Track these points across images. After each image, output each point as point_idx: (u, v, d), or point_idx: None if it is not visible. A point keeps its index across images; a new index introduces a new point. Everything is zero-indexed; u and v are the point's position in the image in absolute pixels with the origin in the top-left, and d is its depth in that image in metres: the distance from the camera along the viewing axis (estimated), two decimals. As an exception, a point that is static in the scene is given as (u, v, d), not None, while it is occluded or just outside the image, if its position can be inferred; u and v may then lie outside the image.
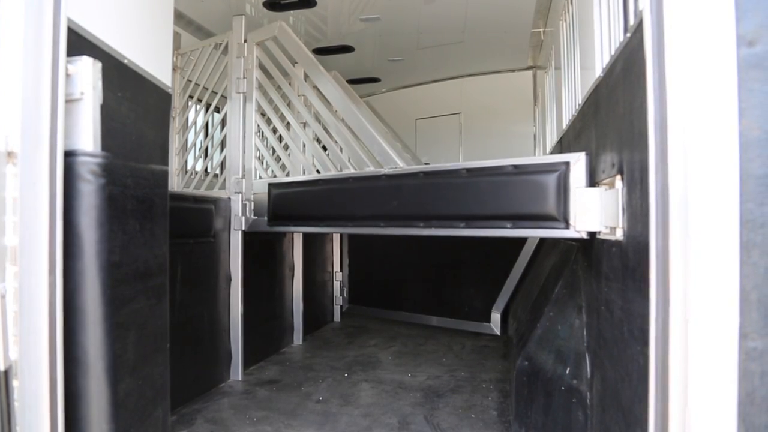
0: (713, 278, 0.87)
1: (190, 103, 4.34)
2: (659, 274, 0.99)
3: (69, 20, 1.25)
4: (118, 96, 1.52)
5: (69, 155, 1.25)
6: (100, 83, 1.33)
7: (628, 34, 1.38)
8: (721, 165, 0.87)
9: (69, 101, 1.26)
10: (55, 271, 1.16)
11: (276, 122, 3.68)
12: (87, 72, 1.28)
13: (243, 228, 3.57)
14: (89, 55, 1.30)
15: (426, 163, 5.11)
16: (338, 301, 5.61)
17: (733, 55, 0.87)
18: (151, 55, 1.80)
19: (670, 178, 0.94)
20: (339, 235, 5.66)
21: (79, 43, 1.35)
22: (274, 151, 3.97)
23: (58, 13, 1.17)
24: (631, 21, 1.70)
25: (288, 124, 3.75)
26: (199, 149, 4.39)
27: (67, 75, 1.24)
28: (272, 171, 3.87)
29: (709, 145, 0.88)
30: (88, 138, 1.29)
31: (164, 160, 1.88)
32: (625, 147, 1.43)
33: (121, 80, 1.56)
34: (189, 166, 4.32)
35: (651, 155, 1.03)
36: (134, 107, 1.63)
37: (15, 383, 1.13)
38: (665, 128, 0.96)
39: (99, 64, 1.32)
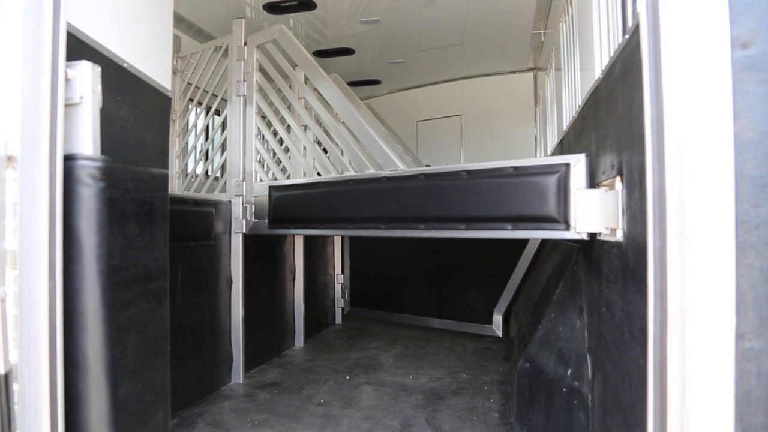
0: (710, 279, 0.87)
1: (190, 106, 4.35)
2: (657, 276, 0.99)
3: (68, 25, 1.26)
4: (117, 100, 1.53)
5: (68, 159, 1.26)
6: (99, 87, 1.33)
7: (627, 36, 1.38)
8: (716, 166, 0.88)
9: (68, 105, 1.26)
10: (55, 274, 1.16)
11: (276, 125, 3.69)
12: (86, 76, 1.28)
13: (244, 231, 3.58)
14: (89, 59, 1.31)
15: (427, 165, 5.12)
16: (339, 303, 5.60)
17: (728, 57, 0.87)
18: (151, 59, 1.81)
19: (667, 180, 0.94)
20: (340, 237, 5.66)
21: (78, 48, 1.36)
22: (274, 153, 3.99)
23: (58, 17, 1.17)
24: (630, 23, 1.70)
25: (288, 126, 3.76)
26: (200, 152, 4.40)
27: (67, 79, 1.25)
28: (273, 174, 3.88)
29: (705, 147, 0.89)
30: (87, 142, 1.29)
31: (164, 163, 1.88)
32: (624, 148, 1.43)
33: (121, 84, 1.57)
34: (189, 169, 4.32)
35: (648, 157, 1.03)
36: (134, 111, 1.63)
37: (15, 387, 1.13)
38: (662, 130, 0.96)
39: (98, 68, 1.33)
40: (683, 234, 0.89)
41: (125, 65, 1.61)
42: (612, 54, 1.69)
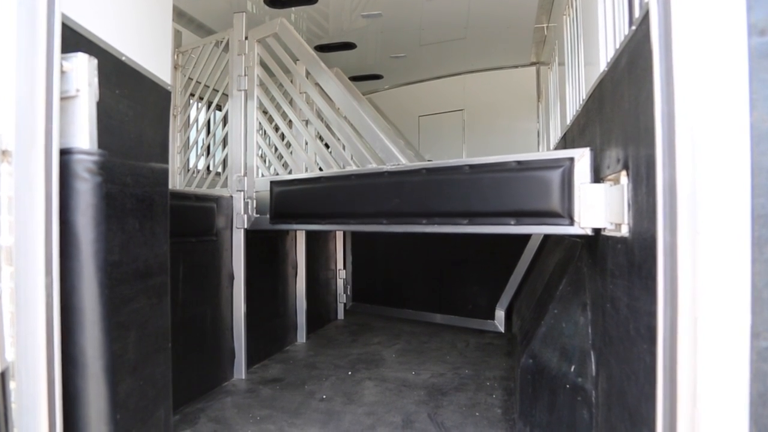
0: (724, 275, 0.84)
1: (191, 101, 4.33)
2: (667, 272, 0.96)
3: (63, 16, 1.23)
4: (116, 93, 1.50)
5: (65, 153, 1.23)
6: (96, 80, 1.31)
7: (634, 27, 1.35)
8: (731, 159, 0.85)
9: (64, 98, 1.24)
10: (52, 271, 1.14)
11: (278, 120, 3.67)
12: (82, 69, 1.26)
13: (245, 226, 3.56)
14: (85, 51, 1.28)
15: (429, 160, 5.09)
16: (342, 298, 5.59)
17: (744, 44, 0.84)
18: (150, 53, 1.79)
19: (678, 173, 0.91)
20: (342, 232, 5.64)
21: (74, 40, 1.33)
22: (276, 148, 3.96)
23: (53, 8, 1.15)
24: (637, 13, 1.67)
25: (290, 121, 3.73)
26: (201, 147, 4.38)
27: (63, 72, 1.22)
28: (274, 169, 3.86)
29: (719, 139, 0.86)
30: (84, 136, 1.27)
31: (164, 158, 1.86)
32: (630, 142, 1.40)
33: (119, 77, 1.54)
34: (191, 165, 4.31)
35: (658, 150, 1.00)
36: (133, 105, 1.61)
37: (12, 385, 1.11)
38: (673, 122, 0.93)
39: (95, 61, 1.30)
40: (695, 229, 0.87)
41: (123, 58, 1.58)
42: (618, 46, 1.66)
